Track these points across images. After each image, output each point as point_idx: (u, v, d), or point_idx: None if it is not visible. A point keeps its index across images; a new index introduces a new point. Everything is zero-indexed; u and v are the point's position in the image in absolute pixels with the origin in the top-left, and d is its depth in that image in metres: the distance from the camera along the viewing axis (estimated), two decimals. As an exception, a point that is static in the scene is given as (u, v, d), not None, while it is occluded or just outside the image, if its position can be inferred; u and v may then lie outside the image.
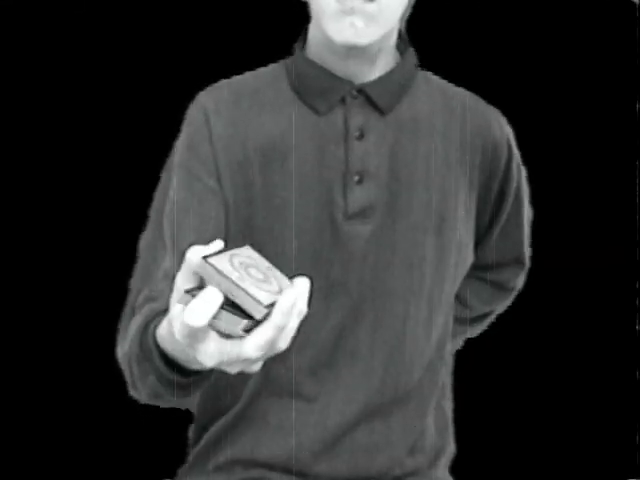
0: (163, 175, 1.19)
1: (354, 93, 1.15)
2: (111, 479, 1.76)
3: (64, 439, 1.81)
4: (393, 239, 1.14)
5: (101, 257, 1.80)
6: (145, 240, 1.17)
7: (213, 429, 1.22)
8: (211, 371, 1.02)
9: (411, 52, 1.20)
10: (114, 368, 1.75)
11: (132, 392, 1.08)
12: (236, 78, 1.20)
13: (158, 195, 1.18)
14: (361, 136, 1.14)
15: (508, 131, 1.23)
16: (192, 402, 1.25)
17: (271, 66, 1.22)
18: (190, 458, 1.25)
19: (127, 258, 1.74)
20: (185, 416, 1.31)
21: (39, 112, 1.78)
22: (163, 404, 1.09)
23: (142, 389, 1.04)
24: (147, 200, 1.68)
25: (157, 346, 0.97)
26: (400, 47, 1.20)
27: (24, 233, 1.81)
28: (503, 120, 1.23)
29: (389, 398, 1.18)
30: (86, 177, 1.79)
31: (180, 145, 1.17)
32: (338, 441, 1.17)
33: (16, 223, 1.80)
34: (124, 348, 1.06)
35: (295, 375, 1.17)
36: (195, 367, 0.94)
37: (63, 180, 1.79)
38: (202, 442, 1.24)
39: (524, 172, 1.26)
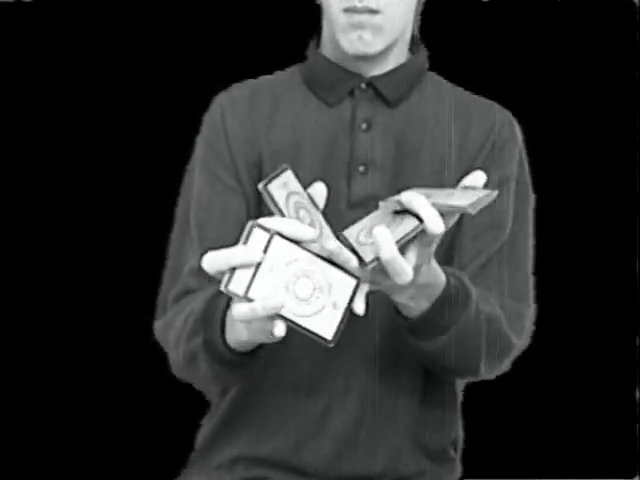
0: (186, 175, 1.24)
1: (363, 86, 1.18)
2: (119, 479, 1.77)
3: (69, 439, 1.81)
4: None
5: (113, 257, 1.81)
6: (173, 240, 1.22)
7: (212, 424, 1.23)
8: (250, 360, 1.06)
9: (422, 51, 1.23)
10: (120, 367, 1.76)
11: (171, 356, 1.16)
12: (254, 79, 1.25)
13: (183, 195, 1.23)
14: (368, 128, 1.17)
15: (519, 140, 1.23)
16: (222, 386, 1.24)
17: (288, 69, 1.26)
18: (192, 455, 1.26)
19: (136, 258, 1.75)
20: (191, 416, 1.31)
21: (50, 117, 1.79)
22: (192, 375, 1.15)
23: (181, 348, 1.10)
24: (157, 200, 1.68)
25: (223, 318, 1.03)
26: (412, 49, 1.23)
27: (29, 235, 1.81)
28: (517, 129, 1.23)
29: (390, 389, 1.17)
30: (101, 180, 1.80)
31: (200, 144, 1.22)
32: (340, 437, 1.17)
33: (24, 225, 1.80)
34: (167, 318, 1.16)
35: (293, 365, 1.17)
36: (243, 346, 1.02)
37: (74, 182, 1.81)
38: (201, 438, 1.24)
39: (531, 198, 1.24)
